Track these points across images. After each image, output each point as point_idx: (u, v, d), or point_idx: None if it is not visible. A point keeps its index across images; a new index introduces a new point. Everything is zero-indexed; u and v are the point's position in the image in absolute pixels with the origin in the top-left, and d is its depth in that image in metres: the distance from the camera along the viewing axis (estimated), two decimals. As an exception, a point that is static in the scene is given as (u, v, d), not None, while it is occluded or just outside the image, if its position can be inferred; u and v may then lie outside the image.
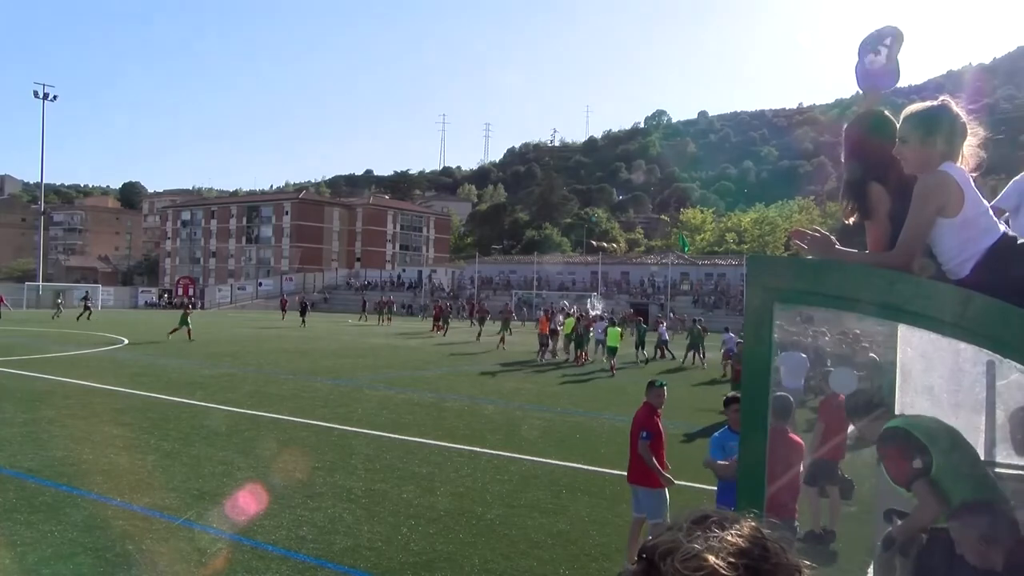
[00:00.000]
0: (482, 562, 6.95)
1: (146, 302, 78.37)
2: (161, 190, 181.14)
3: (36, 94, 70.68)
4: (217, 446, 11.37)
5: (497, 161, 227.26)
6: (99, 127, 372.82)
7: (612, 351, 25.40)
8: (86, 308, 46.90)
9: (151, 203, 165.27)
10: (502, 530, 7.91)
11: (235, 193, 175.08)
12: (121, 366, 21.70)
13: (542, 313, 32.28)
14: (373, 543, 7.31)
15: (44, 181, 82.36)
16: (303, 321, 45.72)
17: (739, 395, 6.23)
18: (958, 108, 2.57)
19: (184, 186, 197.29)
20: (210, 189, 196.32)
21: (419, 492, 9.19)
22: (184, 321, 31.60)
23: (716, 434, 6.86)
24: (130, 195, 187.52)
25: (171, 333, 31.35)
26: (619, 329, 26.78)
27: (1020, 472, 4.58)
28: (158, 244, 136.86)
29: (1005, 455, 4.56)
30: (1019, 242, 2.37)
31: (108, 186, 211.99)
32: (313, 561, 6.79)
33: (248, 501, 8.50)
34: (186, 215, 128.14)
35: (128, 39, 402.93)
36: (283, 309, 56.24)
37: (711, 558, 0.94)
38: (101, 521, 7.61)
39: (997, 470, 4.52)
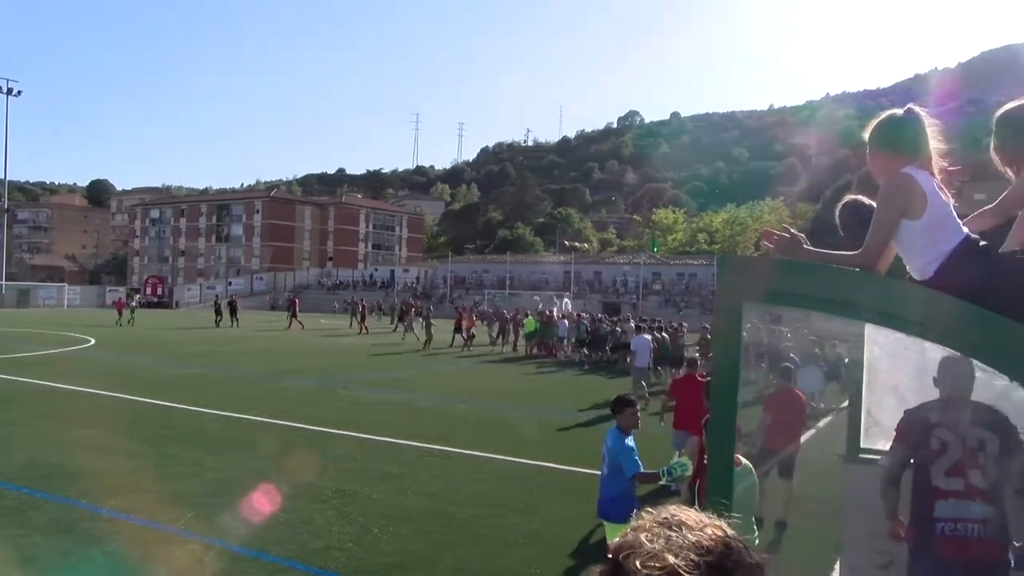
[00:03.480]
0: (455, 562, 6.94)
1: (113, 302, 77.11)
2: (130, 188, 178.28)
3: (0, 89, 69.45)
4: (187, 447, 11.24)
5: (471, 160, 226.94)
6: (66, 124, 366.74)
7: (529, 336, 30.76)
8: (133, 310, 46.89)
9: (119, 201, 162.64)
10: (476, 530, 7.90)
11: (205, 191, 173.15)
12: (89, 366, 21.39)
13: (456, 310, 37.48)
14: (344, 544, 7.26)
15: (8, 178, 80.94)
16: (235, 320, 43.68)
17: (631, 398, 6.38)
18: (924, 116, 2.64)
19: (153, 184, 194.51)
20: (179, 187, 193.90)
21: (391, 492, 9.15)
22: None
23: (610, 439, 6.27)
24: (98, 193, 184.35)
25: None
26: (533, 318, 31.39)
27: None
28: (126, 243, 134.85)
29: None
30: (981, 244, 2.42)
31: (75, 184, 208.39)
32: (284, 562, 6.74)
33: (221, 502, 8.41)
34: (155, 213, 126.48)
35: (96, 33, 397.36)
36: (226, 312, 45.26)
37: (671, 558, 0.95)
38: (66, 524, 7.48)
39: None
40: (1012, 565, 3.37)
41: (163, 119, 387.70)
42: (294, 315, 43.66)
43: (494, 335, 32.97)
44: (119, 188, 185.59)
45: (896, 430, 3.73)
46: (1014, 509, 3.45)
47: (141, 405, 14.90)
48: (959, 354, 3.07)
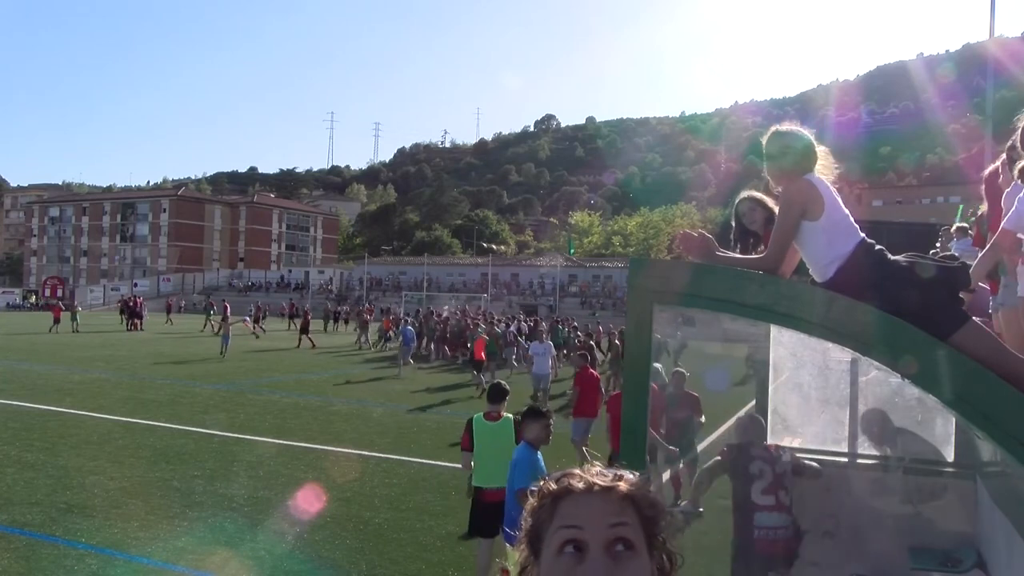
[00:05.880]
0: (369, 568, 6.86)
1: (8, 304, 73.17)
2: (26, 184, 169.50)
3: None
4: (87, 456, 10.76)
5: (387, 161, 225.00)
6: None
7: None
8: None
9: (14, 198, 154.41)
10: (390, 534, 7.83)
11: (109, 189, 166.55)
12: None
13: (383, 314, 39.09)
14: (256, 552, 7.09)
15: None
16: (135, 323, 42.06)
17: (543, 409, 6.34)
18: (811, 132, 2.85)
19: (52, 180, 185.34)
20: (81, 184, 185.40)
21: (304, 499, 8.98)
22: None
23: (519, 455, 5.92)
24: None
25: None
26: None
27: (875, 463, 4.90)
28: (22, 242, 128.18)
29: (865, 447, 4.87)
30: (876, 248, 2.54)
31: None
32: (193, 573, 6.53)
33: (122, 513, 8.08)
34: (54, 211, 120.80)
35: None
36: (126, 314, 44.29)
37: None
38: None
39: (857, 460, 4.83)
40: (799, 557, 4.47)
41: (63, 112, 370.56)
42: (133, 315, 42.39)
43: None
44: (13, 184, 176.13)
45: (721, 452, 4.84)
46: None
47: (37, 412, 14.15)
48: (749, 415, 4.63)
